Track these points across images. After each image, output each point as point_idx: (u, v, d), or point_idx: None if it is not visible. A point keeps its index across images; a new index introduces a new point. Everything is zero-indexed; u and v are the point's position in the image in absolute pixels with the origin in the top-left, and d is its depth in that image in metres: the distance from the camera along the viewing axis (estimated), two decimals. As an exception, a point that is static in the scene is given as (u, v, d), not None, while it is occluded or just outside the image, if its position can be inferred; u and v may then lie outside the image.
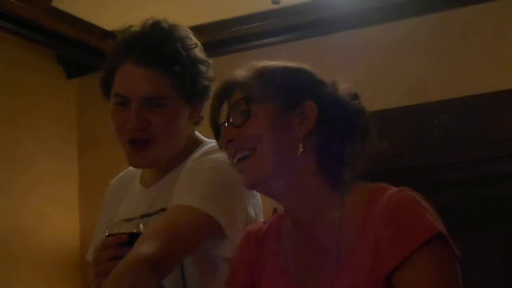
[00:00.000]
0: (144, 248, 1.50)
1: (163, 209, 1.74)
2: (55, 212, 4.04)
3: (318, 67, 4.25)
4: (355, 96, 1.51)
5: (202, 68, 1.77)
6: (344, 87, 1.51)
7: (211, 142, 1.79)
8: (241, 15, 3.72)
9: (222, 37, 3.69)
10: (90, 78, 4.25)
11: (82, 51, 4.01)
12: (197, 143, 1.82)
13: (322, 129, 1.45)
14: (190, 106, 1.77)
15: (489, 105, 3.43)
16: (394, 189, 1.41)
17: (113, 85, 1.76)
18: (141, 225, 1.62)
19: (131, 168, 1.96)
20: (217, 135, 1.49)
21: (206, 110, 1.82)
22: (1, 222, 3.74)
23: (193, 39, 1.78)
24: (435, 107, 3.52)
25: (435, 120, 3.51)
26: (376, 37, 3.69)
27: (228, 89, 1.46)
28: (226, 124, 1.45)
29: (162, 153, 1.75)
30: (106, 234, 1.61)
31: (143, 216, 1.76)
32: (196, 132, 1.85)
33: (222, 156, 1.66)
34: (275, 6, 3.64)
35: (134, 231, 1.59)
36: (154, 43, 1.73)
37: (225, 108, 1.46)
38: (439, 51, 3.57)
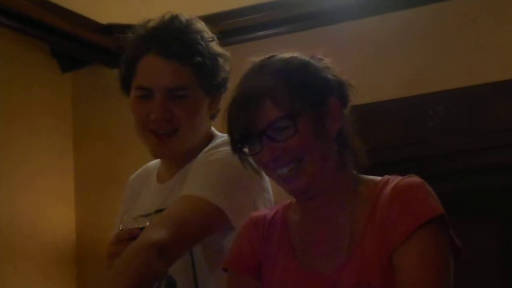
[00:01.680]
0: (152, 234, 1.53)
1: None
2: (51, 205, 4.04)
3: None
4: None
5: (220, 60, 1.81)
6: (323, 63, 1.53)
7: (223, 136, 1.81)
8: (237, 8, 3.72)
9: (218, 29, 3.68)
10: (85, 72, 4.25)
11: (76, 45, 4.00)
12: (212, 137, 1.85)
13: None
14: (209, 98, 1.80)
15: (484, 96, 3.44)
16: (402, 176, 1.47)
17: (134, 78, 1.78)
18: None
19: (150, 164, 1.98)
20: (243, 143, 1.47)
21: (222, 104, 1.83)
22: (-3, 215, 3.74)
23: (210, 33, 1.82)
24: (430, 98, 3.52)
25: (431, 111, 3.51)
26: (371, 29, 3.68)
27: (253, 98, 1.44)
28: (263, 140, 1.43)
29: (184, 144, 1.78)
30: (120, 228, 1.64)
31: (157, 211, 1.78)
32: (212, 127, 1.88)
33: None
34: (270, -1, 3.65)
35: (148, 224, 1.62)
36: (175, 35, 1.75)
37: (253, 117, 1.43)
38: (435, 42, 3.57)
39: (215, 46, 1.81)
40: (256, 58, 1.52)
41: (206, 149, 1.78)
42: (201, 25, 1.81)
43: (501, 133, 3.40)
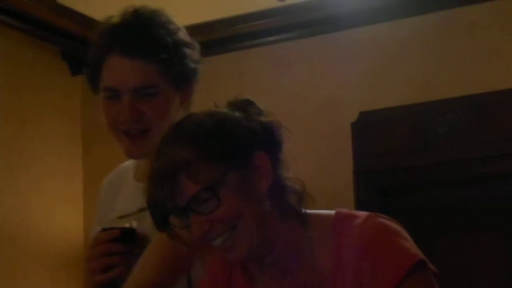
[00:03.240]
0: None
1: None
2: (60, 208, 4.05)
3: (324, 65, 4.24)
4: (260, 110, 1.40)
5: (188, 51, 1.74)
6: (248, 110, 1.39)
7: None
8: (247, 13, 3.72)
9: (228, 34, 3.69)
10: (95, 75, 4.26)
11: (86, 48, 3.99)
12: None
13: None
14: (180, 92, 1.75)
15: (494, 103, 3.43)
16: (360, 216, 1.36)
17: (101, 78, 1.76)
18: (134, 222, 1.62)
19: (123, 165, 1.96)
20: (165, 224, 1.35)
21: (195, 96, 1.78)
22: (7, 217, 3.75)
23: (176, 23, 1.76)
24: (440, 105, 3.52)
25: (440, 118, 3.51)
26: (382, 35, 3.68)
27: (168, 175, 1.31)
28: (189, 215, 1.31)
29: (157, 143, 1.76)
30: (99, 230, 1.61)
31: (141, 210, 1.75)
32: None
33: None
34: (281, 4, 3.64)
35: (127, 225, 1.60)
36: (138, 32, 1.71)
37: (171, 194, 1.31)
38: (445, 49, 3.56)
39: (182, 36, 1.74)
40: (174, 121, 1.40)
41: None
42: (165, 17, 1.75)
43: (510, 141, 3.39)
